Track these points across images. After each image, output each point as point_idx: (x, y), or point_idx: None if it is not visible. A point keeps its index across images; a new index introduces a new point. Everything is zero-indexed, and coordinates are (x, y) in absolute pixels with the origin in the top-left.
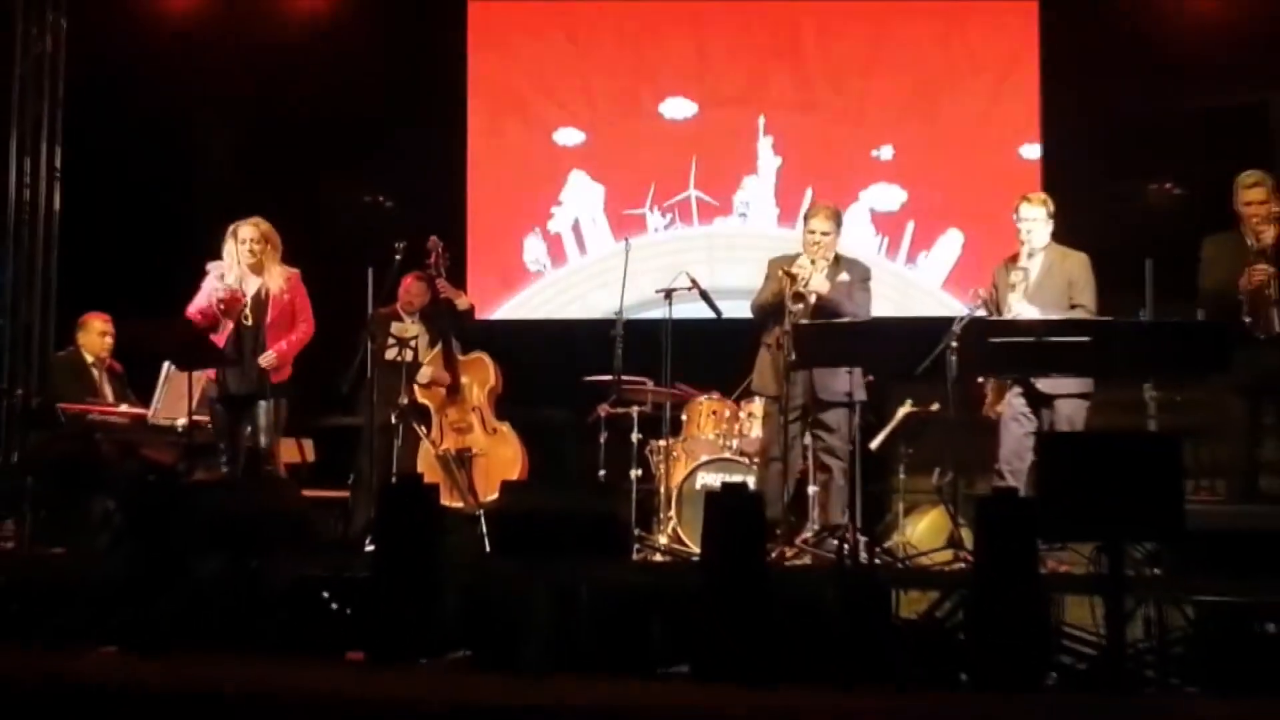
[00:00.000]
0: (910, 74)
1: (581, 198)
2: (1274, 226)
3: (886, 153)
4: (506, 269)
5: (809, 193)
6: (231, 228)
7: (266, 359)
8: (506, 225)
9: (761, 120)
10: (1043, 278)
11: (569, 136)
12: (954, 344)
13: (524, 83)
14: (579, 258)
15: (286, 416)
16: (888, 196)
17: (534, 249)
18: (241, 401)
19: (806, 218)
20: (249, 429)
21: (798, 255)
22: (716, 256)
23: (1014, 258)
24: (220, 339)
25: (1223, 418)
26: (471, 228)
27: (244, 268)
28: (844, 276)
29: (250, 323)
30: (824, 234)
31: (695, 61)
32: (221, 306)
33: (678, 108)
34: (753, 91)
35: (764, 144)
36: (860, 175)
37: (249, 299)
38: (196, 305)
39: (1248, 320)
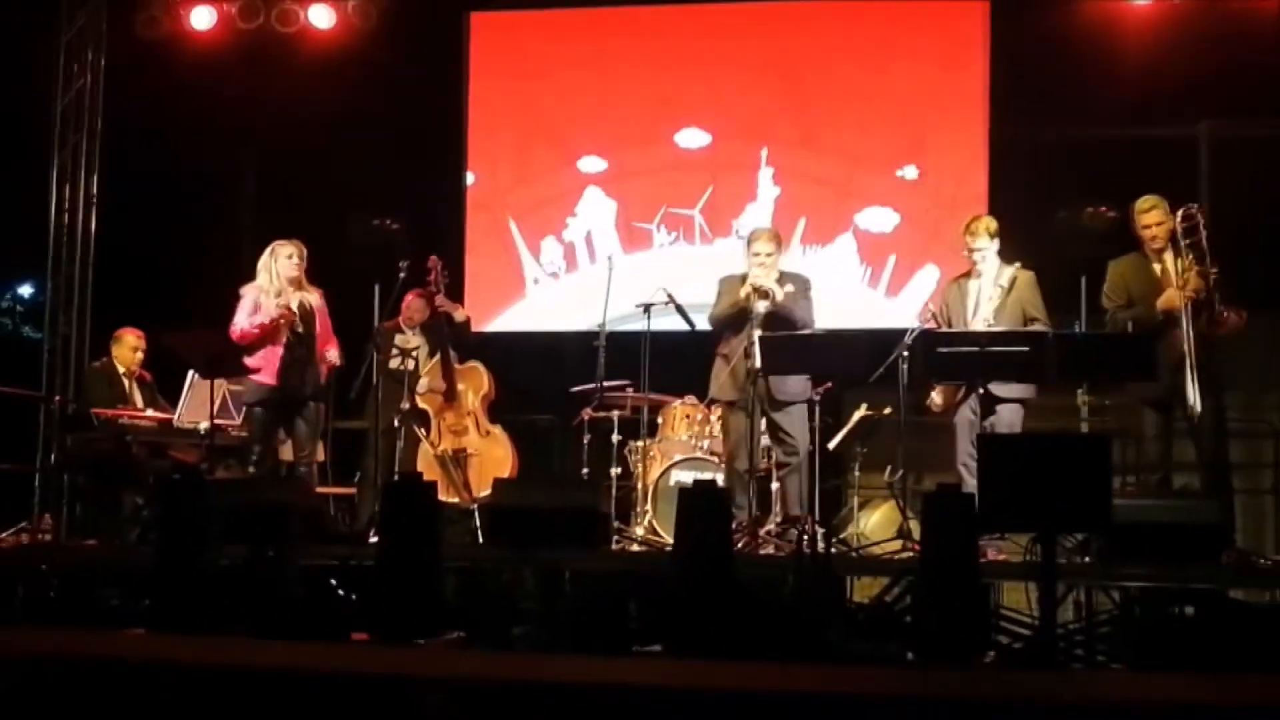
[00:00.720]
0: (898, 117)
1: (595, 211)
2: (1189, 254)
3: (880, 186)
4: (506, 282)
5: (802, 221)
6: (270, 247)
7: (333, 355)
8: (508, 240)
9: (764, 152)
10: (997, 294)
11: (592, 164)
12: (905, 353)
13: (556, 110)
14: (589, 265)
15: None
16: (881, 218)
17: (550, 251)
18: (292, 404)
19: (750, 241)
20: (280, 431)
21: (745, 274)
22: (714, 273)
23: (965, 275)
24: (275, 351)
25: (1141, 423)
26: (470, 245)
27: (284, 282)
28: (789, 288)
29: (303, 330)
30: (768, 254)
31: (710, 96)
32: (282, 321)
33: (692, 138)
34: (759, 126)
35: (765, 174)
36: (849, 209)
37: (297, 311)
38: (253, 323)
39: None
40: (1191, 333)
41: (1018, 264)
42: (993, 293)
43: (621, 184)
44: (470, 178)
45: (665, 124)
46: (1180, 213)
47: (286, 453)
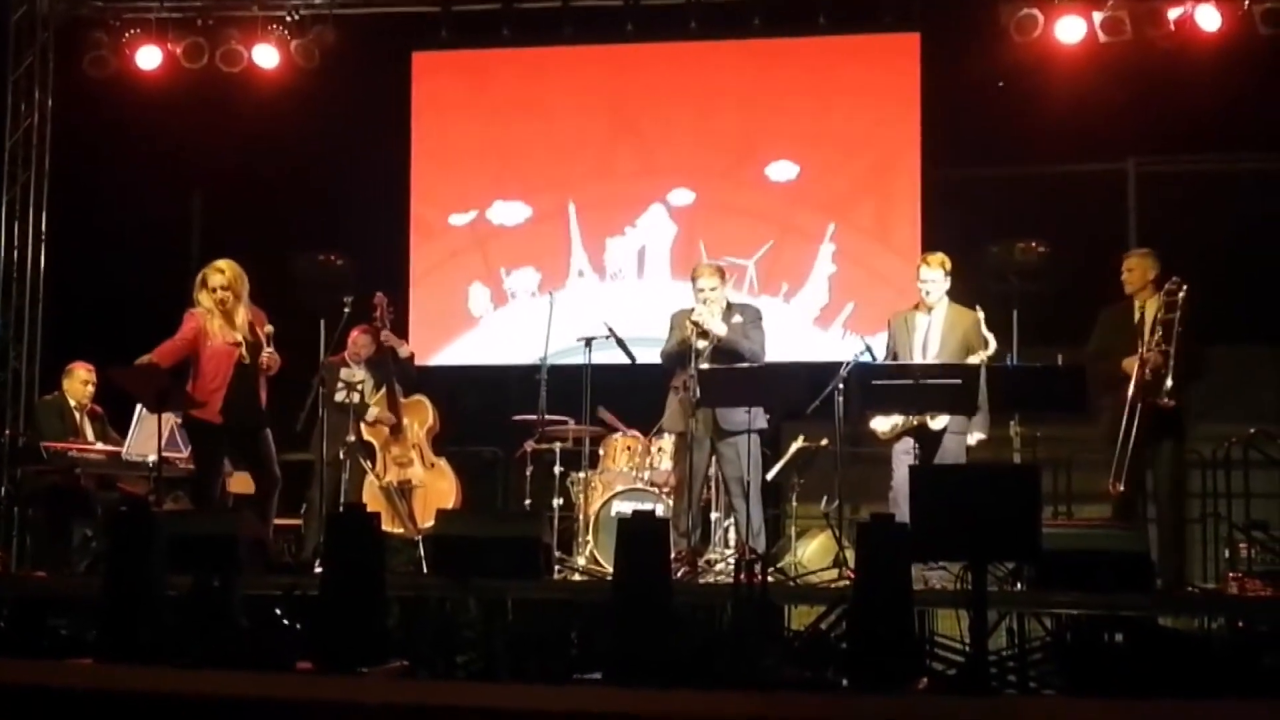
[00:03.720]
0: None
1: (654, 230)
2: (1155, 298)
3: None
4: (449, 316)
5: (850, 305)
6: (200, 275)
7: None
8: (453, 279)
9: (831, 227)
10: (946, 334)
11: (680, 195)
12: (841, 386)
13: (640, 127)
14: (635, 280)
15: None
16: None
17: (616, 250)
18: (242, 435)
19: (694, 278)
20: (247, 458)
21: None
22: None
23: (913, 309)
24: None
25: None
26: (415, 280)
27: (219, 315)
28: (737, 319)
29: (248, 361)
30: (712, 289)
31: (799, 132)
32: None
33: (782, 170)
34: (833, 201)
35: (825, 249)
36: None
37: (243, 343)
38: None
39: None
40: (1138, 402)
41: (945, 300)
42: (941, 332)
43: (693, 212)
44: (526, 209)
45: (754, 158)
46: (1166, 286)
47: (235, 485)
